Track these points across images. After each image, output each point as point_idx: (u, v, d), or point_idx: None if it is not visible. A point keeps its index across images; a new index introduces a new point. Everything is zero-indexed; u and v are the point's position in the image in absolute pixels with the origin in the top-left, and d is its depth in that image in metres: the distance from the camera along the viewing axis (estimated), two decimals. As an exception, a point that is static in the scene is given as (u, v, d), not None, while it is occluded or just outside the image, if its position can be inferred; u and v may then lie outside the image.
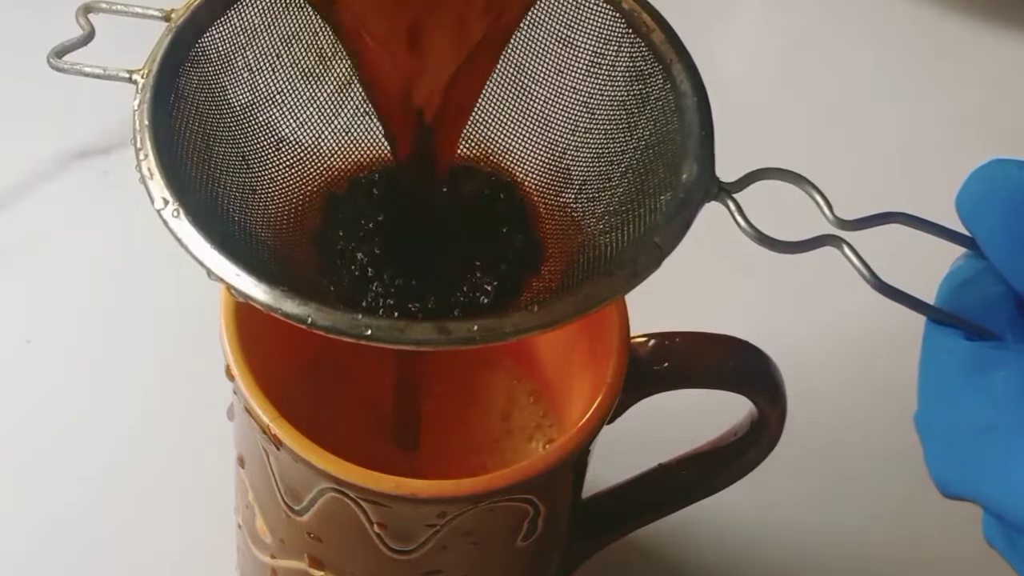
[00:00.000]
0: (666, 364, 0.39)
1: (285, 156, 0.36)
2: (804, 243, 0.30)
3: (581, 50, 0.36)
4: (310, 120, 0.37)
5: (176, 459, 0.49)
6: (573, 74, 0.36)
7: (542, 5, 0.36)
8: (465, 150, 0.38)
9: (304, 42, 0.37)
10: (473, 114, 0.37)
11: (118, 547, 0.47)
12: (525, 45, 0.37)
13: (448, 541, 0.36)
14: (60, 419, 0.49)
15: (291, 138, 0.37)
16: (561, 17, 0.36)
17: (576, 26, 0.36)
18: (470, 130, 0.38)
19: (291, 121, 0.37)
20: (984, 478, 0.28)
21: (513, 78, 0.37)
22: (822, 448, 0.51)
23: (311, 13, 0.36)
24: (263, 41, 0.36)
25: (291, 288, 0.30)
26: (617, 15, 0.35)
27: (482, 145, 0.38)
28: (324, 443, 0.34)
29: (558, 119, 0.37)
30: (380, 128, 0.37)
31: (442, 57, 0.33)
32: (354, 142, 0.38)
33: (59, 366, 0.51)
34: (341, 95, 0.37)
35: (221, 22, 0.35)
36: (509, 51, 0.37)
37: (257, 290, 0.30)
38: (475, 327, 0.29)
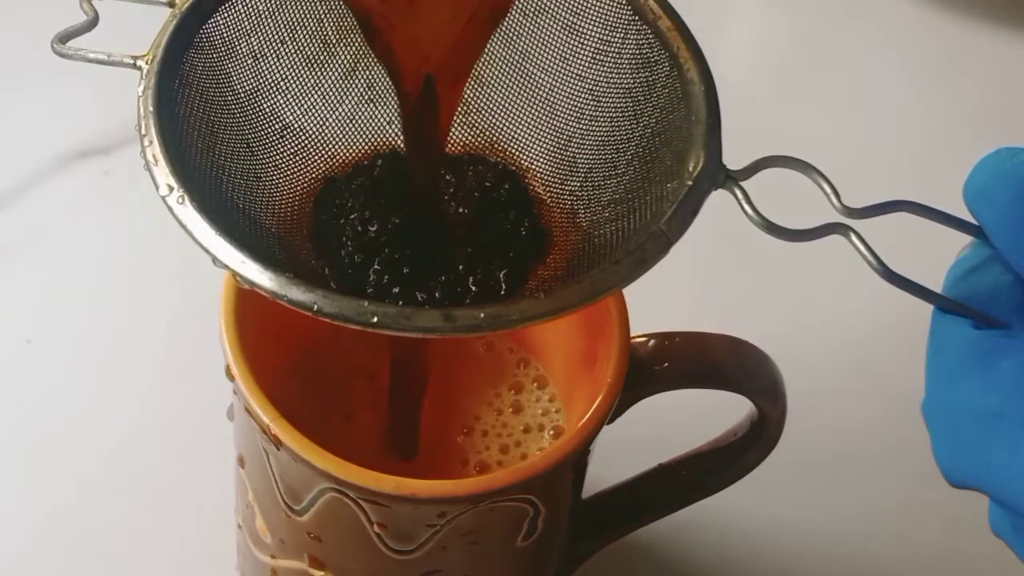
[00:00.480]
0: (666, 364, 0.38)
1: (289, 143, 0.36)
2: (811, 231, 0.30)
3: (587, 37, 0.36)
4: (314, 107, 0.37)
5: (176, 459, 0.49)
6: (579, 62, 0.36)
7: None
8: (470, 138, 0.38)
9: (308, 29, 0.37)
10: (478, 102, 0.38)
11: (118, 547, 0.47)
12: (530, 33, 0.37)
13: (448, 541, 0.36)
14: (60, 419, 0.49)
15: (295, 125, 0.37)
16: (567, 4, 0.36)
17: (582, 13, 0.36)
18: (475, 118, 0.38)
19: (295, 108, 0.37)
20: (991, 466, 0.28)
21: (518, 66, 0.37)
22: (822, 448, 0.51)
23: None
24: (267, 27, 0.36)
25: (297, 275, 0.30)
26: (623, 2, 0.35)
27: (487, 133, 0.38)
28: (324, 443, 0.34)
29: (564, 107, 0.37)
30: (384, 113, 0.37)
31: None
32: (358, 129, 0.38)
33: (59, 366, 0.51)
34: (345, 82, 0.37)
35: (225, 8, 0.35)
36: (514, 39, 0.37)
37: (263, 277, 0.30)
38: (481, 314, 0.29)
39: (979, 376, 0.28)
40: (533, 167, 0.37)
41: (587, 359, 0.39)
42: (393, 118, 0.38)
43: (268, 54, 0.36)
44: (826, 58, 0.65)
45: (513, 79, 0.37)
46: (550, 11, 0.36)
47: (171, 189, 0.31)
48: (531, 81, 0.37)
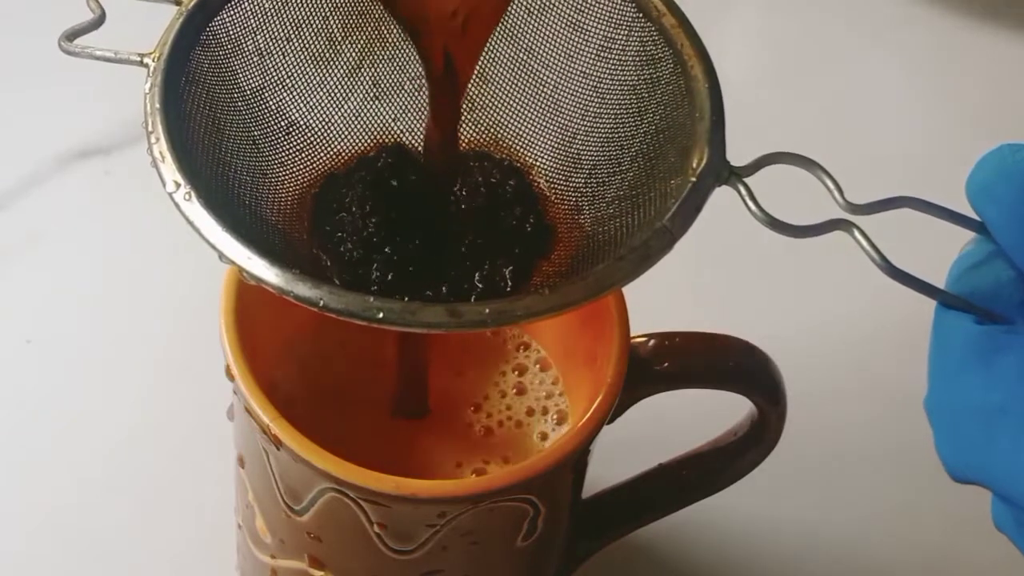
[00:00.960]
0: (666, 364, 0.39)
1: (295, 140, 0.37)
2: (815, 227, 0.30)
3: (591, 34, 0.36)
4: (320, 104, 0.37)
5: (176, 459, 0.49)
6: (583, 59, 0.36)
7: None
8: (475, 135, 0.38)
9: (314, 26, 0.37)
10: (483, 99, 0.38)
11: (118, 547, 0.47)
12: (535, 29, 0.37)
13: (448, 541, 0.36)
14: (60, 419, 0.49)
15: (301, 122, 0.37)
16: (571, 1, 0.36)
17: (586, 10, 0.36)
18: (480, 115, 0.38)
19: (301, 105, 0.37)
20: (994, 461, 0.28)
21: (523, 63, 0.37)
22: (822, 448, 0.51)
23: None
24: (273, 25, 0.36)
25: (302, 271, 0.30)
26: None
27: (492, 130, 0.38)
28: (324, 443, 0.34)
29: (568, 104, 0.37)
30: (389, 110, 0.38)
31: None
32: (364, 126, 0.38)
33: (59, 366, 0.51)
34: (351, 79, 0.37)
35: (232, 5, 0.35)
36: (519, 36, 0.37)
37: (269, 273, 0.30)
38: (486, 310, 0.29)
39: (982, 372, 0.28)
40: (538, 163, 0.37)
41: (587, 358, 0.39)
42: (398, 115, 0.38)
43: (274, 51, 0.36)
44: (826, 57, 0.65)
45: (518, 76, 0.37)
46: (554, 8, 0.36)
47: (178, 186, 0.31)
48: (535, 78, 0.37)
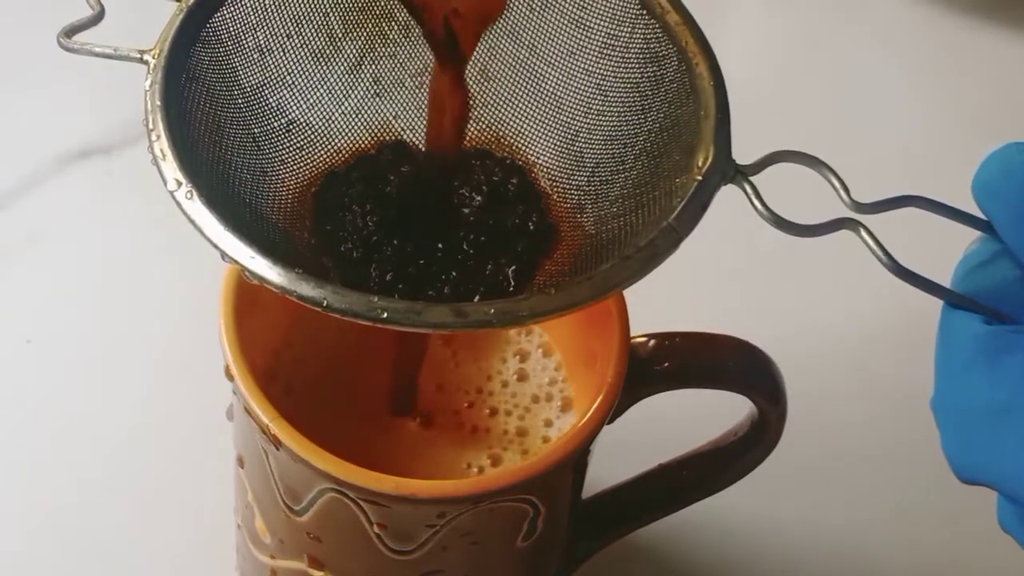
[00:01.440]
0: (666, 364, 0.38)
1: (296, 138, 0.36)
2: (821, 226, 0.30)
3: (594, 32, 0.36)
4: (320, 101, 0.37)
5: (176, 459, 0.49)
6: (586, 56, 0.36)
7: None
8: (477, 133, 0.38)
9: (314, 22, 0.37)
10: (485, 97, 0.37)
11: (118, 547, 0.47)
12: (538, 26, 0.37)
13: (448, 541, 0.36)
14: (60, 419, 0.49)
15: (302, 120, 0.37)
16: (574, -2, 0.36)
17: (589, 7, 0.36)
18: (482, 113, 0.38)
19: (301, 103, 0.37)
20: (1002, 461, 0.28)
21: (526, 60, 0.37)
22: (822, 448, 0.51)
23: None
24: (274, 21, 0.36)
25: (305, 271, 0.30)
26: None
27: (494, 128, 0.38)
28: (324, 443, 0.34)
29: (571, 102, 0.37)
30: (390, 107, 0.38)
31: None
32: (365, 124, 0.38)
33: (59, 366, 0.51)
34: (351, 76, 0.37)
35: (232, 2, 0.35)
36: (521, 33, 0.37)
37: (272, 272, 0.30)
38: (491, 310, 0.29)
39: (989, 371, 0.28)
40: (540, 162, 0.37)
41: (587, 358, 0.39)
42: (399, 112, 0.38)
43: (274, 48, 0.36)
44: (829, 56, 0.65)
45: (520, 74, 0.37)
46: (557, 5, 0.36)
47: (179, 184, 0.31)
48: (538, 76, 0.37)
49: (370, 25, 0.37)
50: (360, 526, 0.35)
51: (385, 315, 0.29)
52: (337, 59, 0.37)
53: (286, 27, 0.36)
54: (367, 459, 0.34)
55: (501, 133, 0.38)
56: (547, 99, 0.37)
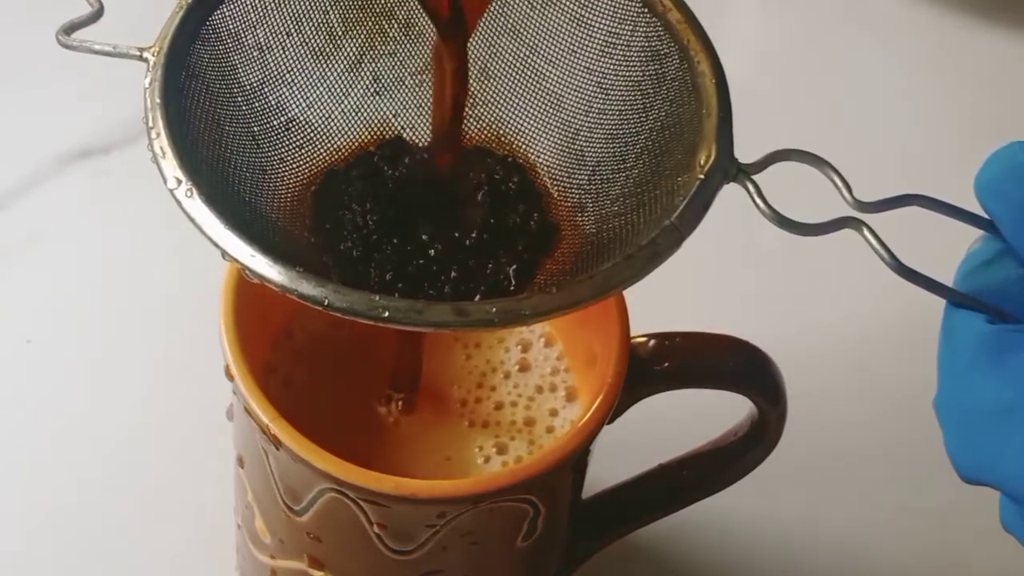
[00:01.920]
0: (666, 364, 0.38)
1: (295, 136, 0.36)
2: (824, 225, 0.30)
3: (595, 30, 0.36)
4: (320, 100, 0.37)
5: (176, 459, 0.49)
6: (587, 54, 0.36)
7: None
8: (477, 132, 0.38)
9: (314, 21, 0.37)
10: (485, 95, 0.37)
11: (118, 547, 0.47)
12: (538, 25, 0.37)
13: (448, 541, 0.36)
14: (60, 419, 0.49)
15: (301, 118, 0.37)
16: (574, -4, 0.36)
17: (590, 5, 0.36)
18: (482, 111, 0.38)
19: (301, 101, 0.37)
20: (1006, 461, 0.28)
21: (526, 58, 0.37)
22: (822, 448, 0.51)
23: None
24: (273, 19, 0.36)
25: (306, 269, 0.30)
26: None
27: (494, 127, 0.38)
28: (324, 444, 0.34)
29: (572, 100, 0.37)
30: (390, 106, 0.37)
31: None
32: (364, 122, 0.38)
33: (59, 366, 0.51)
34: (351, 75, 0.37)
35: (231, 0, 0.35)
36: (522, 31, 0.37)
37: (272, 271, 0.30)
38: (493, 309, 0.29)
39: (992, 371, 0.28)
40: (541, 161, 0.37)
41: (587, 358, 0.39)
42: (399, 110, 0.38)
43: (274, 46, 0.36)
44: (828, 56, 0.65)
45: (520, 72, 0.37)
46: (558, 3, 0.36)
47: (179, 182, 0.31)
48: (539, 74, 0.37)
49: (370, 23, 0.37)
50: (360, 526, 0.35)
51: (386, 314, 0.29)
52: (337, 57, 0.37)
53: (286, 25, 0.36)
54: (369, 448, 0.34)
55: (502, 132, 0.38)
56: (548, 97, 0.37)
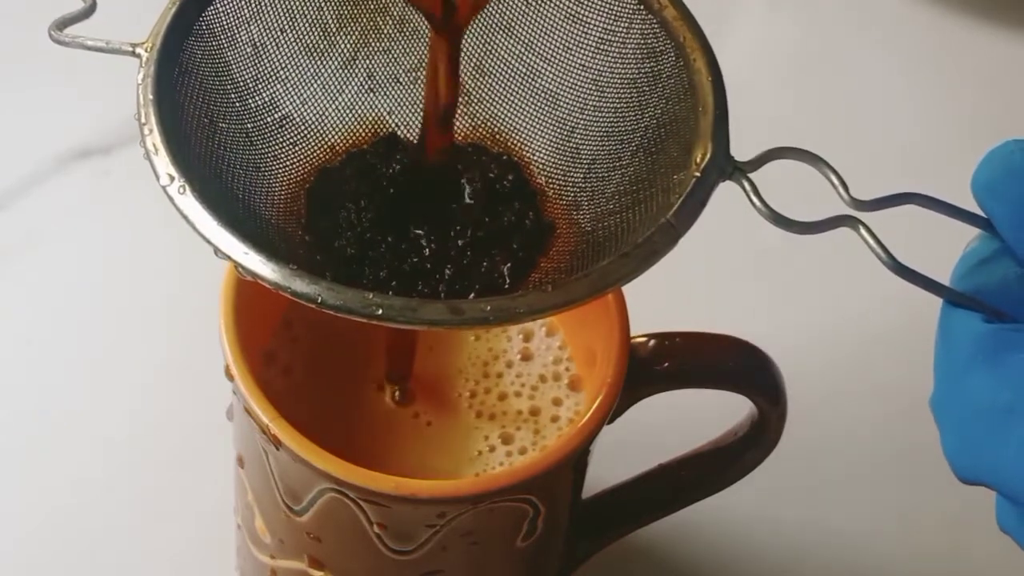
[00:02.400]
0: (666, 364, 0.38)
1: (289, 134, 0.36)
2: (820, 223, 0.30)
3: (591, 27, 0.36)
4: (314, 97, 0.37)
5: (176, 459, 0.49)
6: (582, 52, 0.36)
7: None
8: (472, 129, 0.38)
9: (308, 17, 0.36)
10: (480, 93, 0.37)
11: (118, 547, 0.47)
12: (533, 22, 0.37)
13: (448, 541, 0.36)
14: (60, 419, 0.49)
15: (295, 115, 0.36)
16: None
17: (585, 2, 0.36)
18: (477, 109, 0.37)
19: (295, 98, 0.36)
20: (1002, 461, 0.27)
21: (521, 56, 0.37)
22: (822, 448, 0.51)
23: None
24: (267, 15, 0.36)
25: (300, 267, 0.29)
26: None
27: (489, 124, 0.38)
28: (324, 444, 0.34)
29: (567, 98, 0.37)
30: (384, 103, 0.37)
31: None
32: (358, 119, 0.37)
33: (59, 366, 0.51)
34: (345, 72, 0.37)
35: None
36: (517, 28, 0.37)
37: (266, 268, 0.29)
38: (488, 307, 0.29)
39: (990, 371, 0.28)
40: (536, 158, 0.37)
41: (587, 358, 0.39)
42: (393, 108, 0.38)
43: (267, 43, 0.36)
44: (827, 55, 0.65)
45: (515, 70, 0.37)
46: (553, 0, 0.36)
47: (172, 179, 0.31)
48: (534, 72, 0.37)
49: (364, 20, 0.37)
50: (360, 526, 0.35)
51: (380, 312, 0.29)
52: (331, 54, 0.37)
53: (280, 21, 0.36)
54: (371, 440, 0.34)
55: (497, 129, 0.38)
56: (543, 95, 0.37)
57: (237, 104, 0.35)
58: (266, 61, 0.36)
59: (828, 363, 0.53)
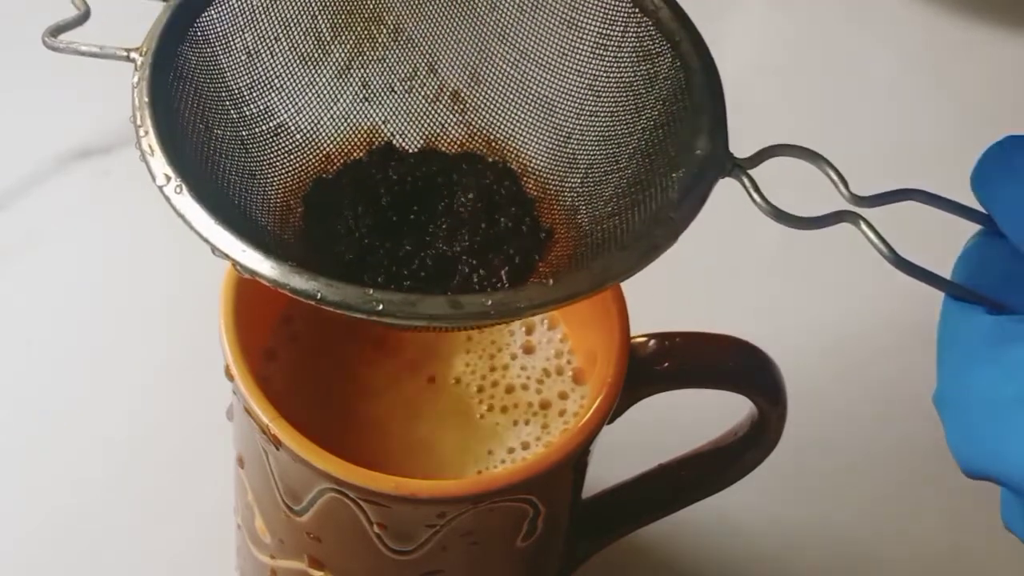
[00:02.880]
0: (666, 364, 0.38)
1: (284, 142, 0.36)
2: (820, 219, 0.30)
3: (586, 31, 0.36)
4: (308, 106, 0.37)
5: (176, 459, 0.49)
6: (578, 56, 0.36)
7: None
8: (468, 137, 0.38)
9: (303, 26, 0.36)
10: (475, 100, 0.37)
11: (118, 547, 0.47)
12: (528, 27, 0.37)
13: (448, 541, 0.36)
14: (60, 419, 0.49)
15: (290, 124, 0.36)
16: (564, -2, 0.36)
17: (580, 7, 0.36)
18: (473, 116, 0.37)
19: (289, 106, 0.36)
20: (1008, 454, 0.27)
21: (516, 62, 0.37)
22: (822, 448, 0.51)
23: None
24: (262, 23, 0.36)
25: (298, 264, 0.29)
26: None
27: (485, 131, 0.38)
28: (324, 444, 0.34)
29: (563, 103, 0.36)
30: (379, 112, 0.37)
31: None
32: (353, 128, 0.37)
33: (59, 366, 0.51)
34: (340, 80, 0.37)
35: (219, 2, 0.35)
36: (511, 34, 0.37)
37: (264, 266, 0.29)
38: (488, 301, 0.29)
39: (994, 363, 0.28)
40: (532, 165, 0.37)
41: (588, 358, 0.39)
42: (388, 117, 0.38)
43: (262, 50, 0.36)
44: (826, 53, 0.65)
45: (511, 77, 0.37)
46: (547, 5, 0.36)
47: (168, 179, 0.31)
48: (529, 78, 0.37)
49: (359, 29, 0.37)
50: (360, 526, 0.35)
51: (380, 307, 0.29)
52: (325, 63, 0.37)
53: (274, 29, 0.36)
54: (375, 454, 0.34)
55: (493, 137, 0.38)
56: (539, 102, 0.37)
57: (232, 111, 0.35)
58: (261, 69, 0.36)
59: (828, 363, 0.53)
